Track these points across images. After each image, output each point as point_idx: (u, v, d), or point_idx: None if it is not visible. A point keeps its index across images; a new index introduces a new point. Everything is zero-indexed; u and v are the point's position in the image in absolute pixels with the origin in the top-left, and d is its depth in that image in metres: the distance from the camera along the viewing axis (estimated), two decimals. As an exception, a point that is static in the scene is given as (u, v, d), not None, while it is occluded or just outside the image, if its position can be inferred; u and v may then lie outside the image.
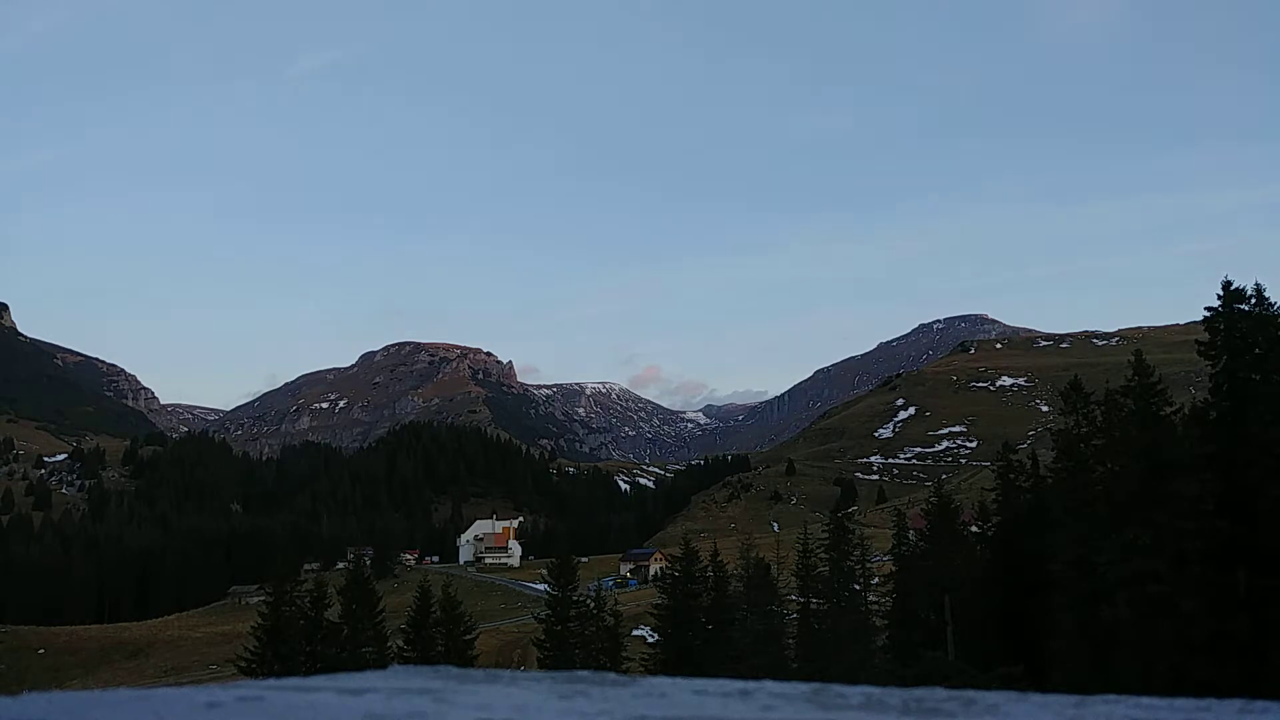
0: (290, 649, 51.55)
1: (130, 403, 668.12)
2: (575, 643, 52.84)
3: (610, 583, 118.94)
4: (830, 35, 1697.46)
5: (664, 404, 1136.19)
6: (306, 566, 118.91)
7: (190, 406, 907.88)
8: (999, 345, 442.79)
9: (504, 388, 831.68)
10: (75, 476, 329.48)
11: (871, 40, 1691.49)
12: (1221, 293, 37.39)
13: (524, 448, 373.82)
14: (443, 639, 52.88)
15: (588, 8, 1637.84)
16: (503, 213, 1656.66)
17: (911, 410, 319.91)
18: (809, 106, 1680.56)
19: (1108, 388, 38.71)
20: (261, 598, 66.86)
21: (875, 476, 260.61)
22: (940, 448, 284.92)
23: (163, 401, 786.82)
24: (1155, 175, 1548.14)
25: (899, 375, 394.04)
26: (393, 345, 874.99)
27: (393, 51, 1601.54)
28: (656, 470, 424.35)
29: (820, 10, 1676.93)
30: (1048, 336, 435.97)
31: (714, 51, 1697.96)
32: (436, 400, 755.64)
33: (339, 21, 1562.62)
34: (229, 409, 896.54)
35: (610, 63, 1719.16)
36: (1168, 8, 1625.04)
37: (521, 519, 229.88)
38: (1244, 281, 37.48)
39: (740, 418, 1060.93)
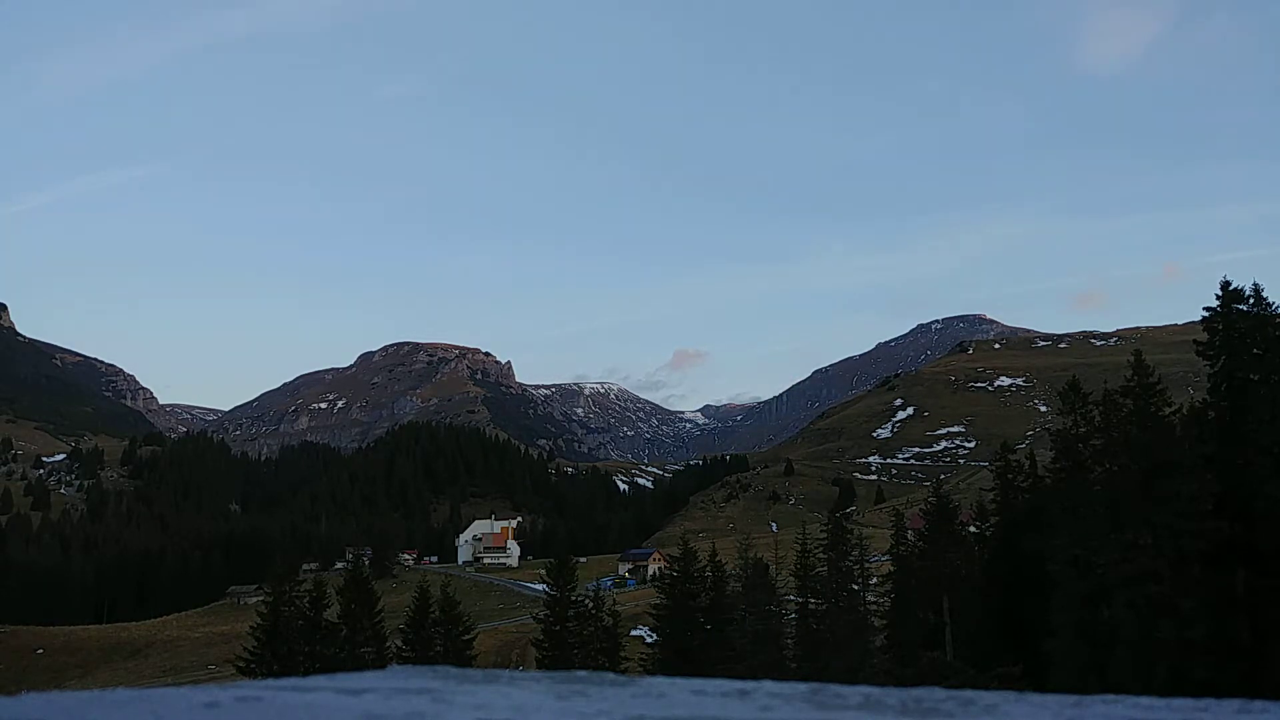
0: (289, 649, 51.54)
1: (129, 403, 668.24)
2: (574, 643, 52.79)
3: (609, 583, 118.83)
4: (834, 48, 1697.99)
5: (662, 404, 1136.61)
6: (305, 567, 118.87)
7: (189, 407, 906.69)
8: (997, 345, 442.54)
9: (503, 388, 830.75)
10: (74, 477, 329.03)
11: (877, 52, 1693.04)
12: (1220, 293, 37.37)
13: (522, 448, 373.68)
14: (441, 639, 52.88)
15: (608, 11, 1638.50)
16: (503, 213, 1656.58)
17: (910, 410, 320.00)
18: (816, 118, 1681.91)
19: (1106, 388, 38.69)
20: (260, 598, 66.96)
21: (874, 477, 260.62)
22: (939, 448, 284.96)
23: (161, 402, 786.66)
24: (1153, 186, 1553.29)
25: (897, 375, 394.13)
26: (391, 345, 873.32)
27: (392, 51, 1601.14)
28: (655, 470, 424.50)
29: (823, 19, 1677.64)
30: (1046, 337, 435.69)
31: (713, 53, 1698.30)
32: (435, 400, 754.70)
33: (337, 21, 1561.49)
34: (227, 409, 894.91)
35: (619, 66, 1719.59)
36: (1163, 18, 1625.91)
37: (520, 519, 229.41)
38: (1242, 282, 37.52)
39: (739, 418, 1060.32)
